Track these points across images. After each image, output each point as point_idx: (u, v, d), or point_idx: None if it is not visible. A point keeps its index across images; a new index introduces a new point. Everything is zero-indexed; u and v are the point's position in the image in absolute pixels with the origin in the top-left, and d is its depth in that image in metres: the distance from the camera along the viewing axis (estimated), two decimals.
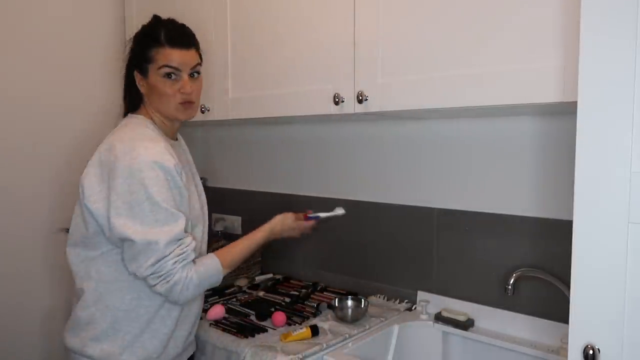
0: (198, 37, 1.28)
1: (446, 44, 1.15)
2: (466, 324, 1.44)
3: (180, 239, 1.12)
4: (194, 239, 1.17)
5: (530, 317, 1.37)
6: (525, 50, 1.03)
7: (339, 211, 1.47)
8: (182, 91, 1.20)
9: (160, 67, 1.19)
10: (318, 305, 1.58)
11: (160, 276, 1.10)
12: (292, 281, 1.86)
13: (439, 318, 1.48)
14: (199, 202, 1.29)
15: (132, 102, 1.27)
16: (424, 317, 1.51)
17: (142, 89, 1.24)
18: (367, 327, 1.44)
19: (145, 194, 1.08)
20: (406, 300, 1.61)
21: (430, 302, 1.54)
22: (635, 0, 0.70)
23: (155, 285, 1.11)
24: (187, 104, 1.22)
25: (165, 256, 1.09)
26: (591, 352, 0.75)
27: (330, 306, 1.55)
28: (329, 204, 1.82)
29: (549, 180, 1.33)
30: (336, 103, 1.33)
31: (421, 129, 1.57)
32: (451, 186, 1.52)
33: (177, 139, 1.33)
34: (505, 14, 1.06)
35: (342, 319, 1.47)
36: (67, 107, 1.90)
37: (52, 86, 1.86)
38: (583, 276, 0.76)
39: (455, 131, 1.50)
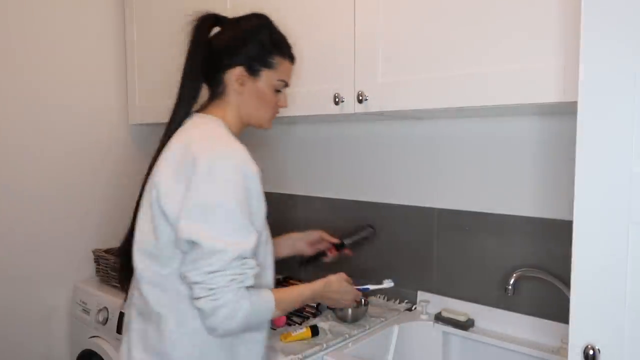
0: None
1: (446, 44, 1.15)
2: (466, 324, 1.44)
3: (245, 258, 0.99)
4: (258, 264, 1.03)
5: (530, 317, 1.37)
6: (525, 50, 1.03)
7: (388, 284, 1.37)
8: (280, 105, 1.18)
9: (279, 80, 1.14)
10: (318, 305, 1.58)
11: (211, 289, 0.96)
12: (291, 281, 1.86)
13: (439, 318, 1.48)
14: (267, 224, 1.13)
15: (193, 95, 1.14)
16: (424, 317, 1.51)
17: (236, 86, 1.11)
18: (367, 327, 1.44)
19: (222, 199, 0.97)
20: (406, 300, 1.62)
21: (430, 302, 1.54)
22: (636, 0, 0.70)
23: (199, 298, 0.96)
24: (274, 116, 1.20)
25: (224, 270, 0.96)
26: (591, 352, 0.75)
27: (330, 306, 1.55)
28: (328, 203, 1.82)
29: (549, 180, 1.33)
30: (336, 103, 1.33)
31: (421, 129, 1.57)
32: (451, 186, 1.52)
33: None
34: (505, 14, 1.06)
35: (342, 319, 1.47)
36: (69, 107, 1.90)
37: (54, 87, 1.86)
38: (583, 276, 0.76)
39: (455, 131, 1.50)
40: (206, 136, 1.04)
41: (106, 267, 1.87)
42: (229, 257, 0.96)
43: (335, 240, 1.45)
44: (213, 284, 0.95)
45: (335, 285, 1.21)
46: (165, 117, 1.86)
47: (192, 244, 0.97)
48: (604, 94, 0.73)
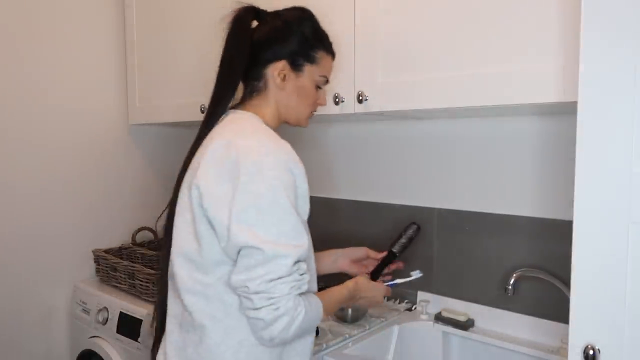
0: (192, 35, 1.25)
1: (446, 44, 1.15)
2: (466, 324, 1.44)
3: (302, 259, 0.93)
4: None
5: (530, 317, 1.37)
6: (526, 50, 1.03)
7: (417, 275, 1.32)
8: (319, 102, 1.13)
9: (322, 75, 1.09)
10: None
11: (271, 299, 0.89)
12: None
13: (439, 318, 1.48)
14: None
15: (247, 94, 1.08)
16: (424, 317, 1.51)
17: (278, 81, 1.05)
18: (367, 327, 1.44)
19: (275, 198, 0.90)
20: (406, 300, 1.61)
21: (430, 302, 1.54)
22: (635, 0, 0.70)
23: (260, 308, 0.89)
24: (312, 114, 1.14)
25: (285, 276, 0.90)
26: (591, 352, 0.75)
27: None
28: (328, 203, 1.82)
29: (549, 180, 1.33)
30: (336, 103, 1.33)
31: (421, 129, 1.57)
32: (451, 186, 1.52)
33: None
34: (505, 14, 1.06)
35: (342, 319, 1.47)
36: (69, 107, 1.90)
37: (54, 87, 1.86)
38: (583, 276, 0.76)
39: (455, 131, 1.50)
40: (249, 133, 0.97)
41: (106, 267, 1.86)
42: (291, 262, 0.90)
43: (383, 255, 1.35)
44: (275, 292, 0.89)
45: (364, 284, 1.17)
46: (165, 117, 1.88)
47: (248, 249, 0.90)
48: (603, 94, 0.73)
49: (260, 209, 0.89)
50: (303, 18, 1.08)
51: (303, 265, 0.94)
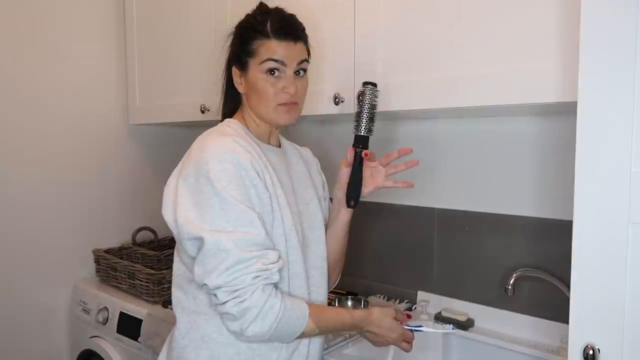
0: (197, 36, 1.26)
1: (446, 44, 1.15)
2: (466, 324, 1.44)
3: (259, 247, 0.93)
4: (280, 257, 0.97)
5: (530, 317, 1.37)
6: (526, 50, 1.03)
7: (448, 329, 1.17)
8: (285, 90, 1.03)
9: (263, 62, 1.02)
10: None
11: (235, 291, 0.90)
12: None
13: (439, 318, 1.48)
14: (293, 229, 1.03)
15: (230, 106, 1.12)
16: (424, 317, 1.51)
17: (240, 88, 1.08)
18: None
19: (213, 190, 0.92)
20: (406, 300, 1.61)
21: (430, 302, 1.54)
22: (635, 0, 0.70)
23: (225, 302, 0.90)
24: (290, 105, 1.04)
25: (242, 262, 0.90)
26: (591, 352, 0.75)
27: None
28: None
29: (549, 180, 1.33)
30: (336, 103, 1.33)
31: (421, 129, 1.57)
32: (451, 186, 1.52)
33: (279, 146, 1.15)
34: (505, 14, 1.06)
35: None
36: (69, 108, 1.90)
37: (54, 87, 1.86)
38: (583, 276, 0.76)
39: (455, 131, 1.50)
40: (206, 135, 1.02)
41: (106, 267, 1.86)
42: (235, 248, 0.90)
43: (351, 150, 1.18)
44: (236, 284, 0.90)
45: (376, 320, 1.08)
46: (165, 117, 1.88)
47: (195, 240, 0.93)
48: (603, 94, 0.73)
49: (201, 204, 0.93)
50: (242, 22, 1.08)
51: (271, 254, 0.94)
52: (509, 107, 1.17)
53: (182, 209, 0.94)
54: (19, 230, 1.81)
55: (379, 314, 1.08)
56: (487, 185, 1.45)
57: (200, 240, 0.92)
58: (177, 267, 1.06)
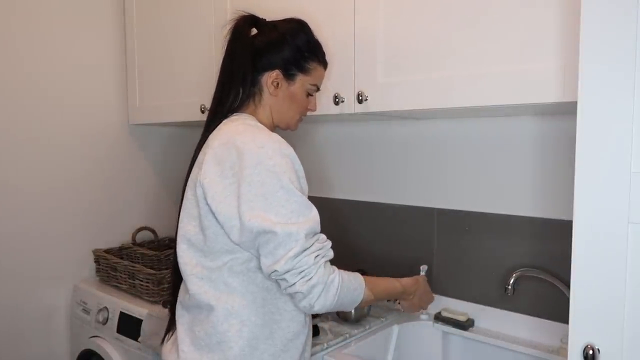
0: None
1: (446, 44, 1.15)
2: (466, 324, 1.44)
3: (316, 233, 1.02)
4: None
5: (530, 317, 1.37)
6: (525, 50, 1.03)
7: (423, 270, 1.41)
8: (310, 109, 1.22)
9: (312, 84, 1.17)
10: None
11: (302, 272, 0.98)
12: None
13: (439, 318, 1.48)
14: None
15: (236, 99, 1.15)
16: (424, 317, 1.51)
17: (271, 90, 1.14)
18: (368, 327, 1.44)
19: (279, 183, 0.99)
20: None
21: None
22: (635, 0, 0.70)
23: (294, 283, 0.98)
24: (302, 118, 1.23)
25: (307, 248, 0.98)
26: (591, 352, 0.75)
27: None
28: (328, 204, 1.82)
29: (549, 180, 1.33)
30: (336, 103, 1.33)
31: (421, 129, 1.57)
32: (451, 186, 1.52)
33: None
34: (505, 13, 1.06)
35: (342, 319, 1.47)
36: (69, 108, 1.90)
37: (54, 87, 1.86)
38: (583, 276, 0.76)
39: (455, 131, 1.50)
40: (242, 131, 1.05)
41: (106, 267, 1.87)
42: (303, 235, 0.98)
43: None
44: (301, 265, 0.98)
45: (422, 286, 1.29)
46: (165, 117, 1.88)
47: (264, 235, 0.98)
48: (603, 94, 0.73)
49: (267, 195, 0.98)
50: (298, 30, 1.16)
51: (322, 236, 1.03)
52: (509, 107, 1.17)
53: (249, 205, 0.98)
54: (19, 231, 1.81)
55: (423, 281, 1.31)
56: (487, 185, 1.45)
57: (270, 234, 0.98)
58: (196, 260, 1.07)
